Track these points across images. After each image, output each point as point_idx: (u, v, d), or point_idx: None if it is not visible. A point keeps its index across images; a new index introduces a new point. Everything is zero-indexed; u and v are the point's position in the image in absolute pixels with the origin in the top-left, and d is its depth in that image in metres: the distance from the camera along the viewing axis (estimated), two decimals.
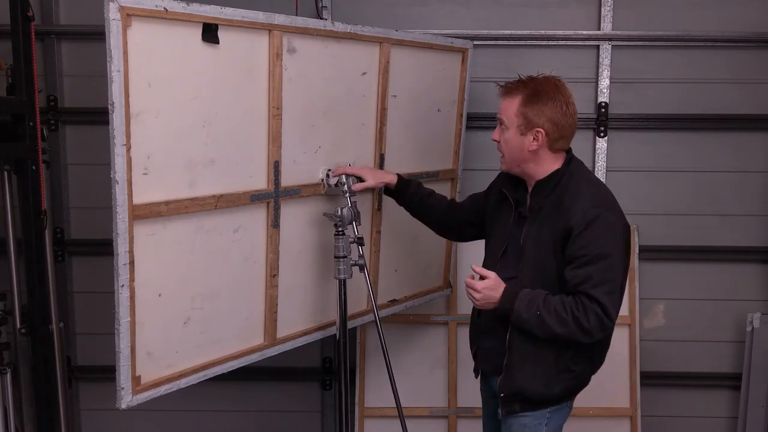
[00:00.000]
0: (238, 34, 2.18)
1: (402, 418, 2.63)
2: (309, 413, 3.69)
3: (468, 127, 3.19)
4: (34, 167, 2.76)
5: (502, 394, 2.30)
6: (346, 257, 2.49)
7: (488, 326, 2.39)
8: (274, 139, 2.35)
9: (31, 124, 2.74)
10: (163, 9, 1.94)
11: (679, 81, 3.44)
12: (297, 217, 2.52)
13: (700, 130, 3.48)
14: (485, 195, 2.58)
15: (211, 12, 2.07)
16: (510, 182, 2.41)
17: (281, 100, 2.34)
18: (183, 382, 2.25)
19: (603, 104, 3.43)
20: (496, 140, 2.34)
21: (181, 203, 2.11)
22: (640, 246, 3.47)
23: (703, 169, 3.50)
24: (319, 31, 2.41)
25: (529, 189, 2.33)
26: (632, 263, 3.41)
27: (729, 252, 3.53)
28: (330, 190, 2.57)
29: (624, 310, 3.42)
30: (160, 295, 2.13)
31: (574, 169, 2.29)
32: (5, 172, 2.93)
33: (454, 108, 3.08)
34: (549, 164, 2.28)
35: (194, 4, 2.03)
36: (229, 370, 2.41)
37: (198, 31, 2.06)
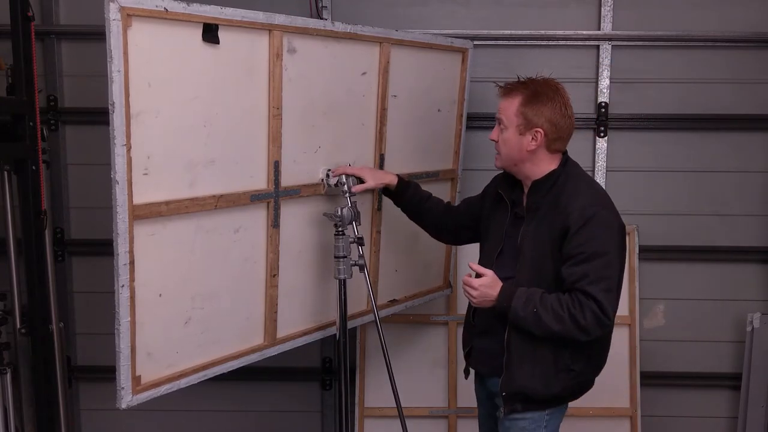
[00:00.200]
0: (239, 34, 2.18)
1: (402, 418, 2.63)
2: (309, 413, 3.69)
3: (468, 127, 3.19)
4: (34, 167, 2.76)
5: (504, 393, 2.30)
6: (346, 257, 2.49)
7: (484, 327, 2.40)
8: (274, 139, 2.35)
9: (31, 124, 2.74)
10: (163, 9, 1.94)
11: (679, 81, 3.44)
12: (297, 217, 2.52)
13: (700, 130, 3.48)
14: (480, 198, 2.60)
15: (212, 12, 2.08)
16: (506, 183, 2.42)
17: (281, 100, 2.34)
18: (183, 382, 2.25)
19: (603, 104, 3.43)
20: (494, 140, 2.35)
21: (181, 203, 2.12)
22: (640, 246, 3.47)
23: (703, 169, 3.50)
24: (319, 31, 2.41)
25: (526, 189, 2.35)
26: (632, 263, 3.42)
27: (729, 252, 3.53)
28: (330, 190, 2.57)
29: (624, 310, 3.42)
30: (160, 295, 2.13)
31: (570, 170, 2.31)
32: (5, 172, 2.93)
33: (454, 108, 3.08)
34: (546, 165, 2.30)
35: (194, 4, 2.03)
36: (229, 370, 2.41)
37: (198, 32, 2.07)
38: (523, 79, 2.31)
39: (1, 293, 3.00)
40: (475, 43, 3.15)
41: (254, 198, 2.33)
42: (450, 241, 2.86)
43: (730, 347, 3.59)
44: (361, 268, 2.52)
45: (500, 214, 2.42)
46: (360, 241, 2.50)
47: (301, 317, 2.63)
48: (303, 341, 2.65)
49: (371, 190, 2.75)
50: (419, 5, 3.43)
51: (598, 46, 3.42)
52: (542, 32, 3.41)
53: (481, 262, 2.39)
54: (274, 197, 2.39)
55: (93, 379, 3.61)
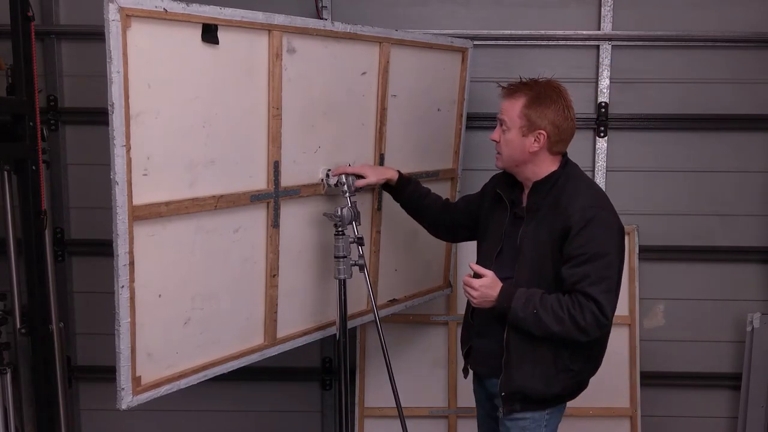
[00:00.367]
0: (238, 34, 2.17)
1: (402, 418, 2.63)
2: (309, 413, 3.69)
3: (468, 127, 3.19)
4: (34, 167, 2.76)
5: (503, 393, 2.30)
6: (346, 257, 2.49)
7: (483, 327, 2.40)
8: (274, 139, 2.35)
9: (31, 124, 2.74)
10: (162, 10, 1.94)
11: (679, 81, 3.44)
12: (297, 217, 2.52)
13: (700, 130, 3.48)
14: (479, 197, 2.60)
15: (211, 12, 2.07)
16: (505, 183, 2.42)
17: (281, 100, 2.34)
18: (183, 383, 2.25)
19: (603, 104, 3.43)
20: (495, 140, 2.35)
21: (181, 204, 2.11)
22: (640, 246, 3.47)
23: (703, 169, 3.49)
24: (319, 31, 2.41)
25: (526, 190, 2.35)
26: (632, 263, 3.42)
27: (729, 252, 3.53)
28: (330, 190, 2.57)
29: (624, 310, 3.42)
30: (160, 295, 2.13)
31: (570, 171, 2.32)
32: (5, 172, 2.93)
33: (454, 108, 3.08)
34: (547, 166, 2.30)
35: (194, 4, 2.02)
36: (229, 370, 2.41)
37: (197, 32, 2.06)
38: (525, 80, 2.31)
39: (1, 293, 3.00)
40: (475, 43, 3.15)
41: (254, 198, 2.33)
42: (447, 238, 2.85)
43: (730, 347, 3.58)
44: (361, 268, 2.52)
45: (499, 214, 2.42)
46: (360, 241, 2.50)
47: (301, 317, 2.63)
48: (303, 341, 2.65)
49: (371, 189, 2.75)
50: (419, 5, 3.43)
51: (598, 46, 3.42)
52: (542, 32, 3.41)
53: (479, 262, 2.39)
54: (274, 197, 2.39)
55: (93, 379, 3.61)
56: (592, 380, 2.43)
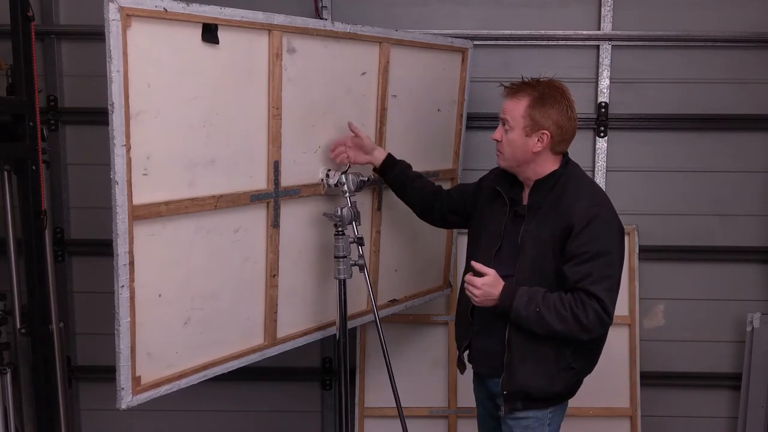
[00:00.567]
0: (238, 34, 2.17)
1: (402, 418, 2.63)
2: (309, 413, 3.69)
3: (468, 127, 3.19)
4: (34, 167, 2.76)
5: (505, 392, 2.30)
6: (346, 257, 2.49)
7: (483, 326, 2.40)
8: (274, 139, 2.35)
9: (31, 124, 2.74)
10: (162, 9, 1.94)
11: (679, 81, 3.44)
12: (297, 217, 2.52)
13: (700, 130, 3.48)
14: (476, 188, 2.59)
15: (211, 12, 2.07)
16: (505, 181, 2.42)
17: (281, 100, 2.34)
18: (183, 383, 2.25)
19: (603, 104, 3.43)
20: (497, 140, 2.35)
21: (181, 203, 2.11)
22: (640, 246, 3.47)
23: (703, 169, 3.49)
24: (319, 31, 2.41)
25: (526, 188, 2.36)
26: (632, 263, 3.42)
27: (729, 252, 3.53)
28: (330, 190, 2.57)
29: (624, 310, 3.42)
30: (160, 295, 2.13)
31: (571, 171, 2.33)
32: (5, 172, 2.92)
33: (454, 108, 3.08)
34: (548, 165, 2.31)
35: (194, 4, 2.02)
36: (229, 370, 2.41)
37: (198, 32, 2.06)
38: (528, 80, 2.31)
39: (1, 293, 3.00)
40: (475, 43, 3.15)
41: (254, 198, 2.33)
42: (436, 223, 2.78)
43: (730, 347, 3.58)
44: (361, 268, 2.52)
45: (497, 211, 2.42)
46: (360, 241, 2.50)
47: (301, 317, 2.63)
48: (303, 341, 2.65)
49: (371, 190, 2.77)
50: (419, 5, 3.43)
51: (598, 46, 3.42)
52: (542, 32, 3.41)
53: (476, 259, 2.39)
54: (274, 197, 2.39)
55: (93, 379, 3.61)
56: (593, 380, 2.43)
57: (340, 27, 2.48)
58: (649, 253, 3.51)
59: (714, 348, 3.59)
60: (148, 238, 2.05)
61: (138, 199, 1.99)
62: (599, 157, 3.46)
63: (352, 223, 2.49)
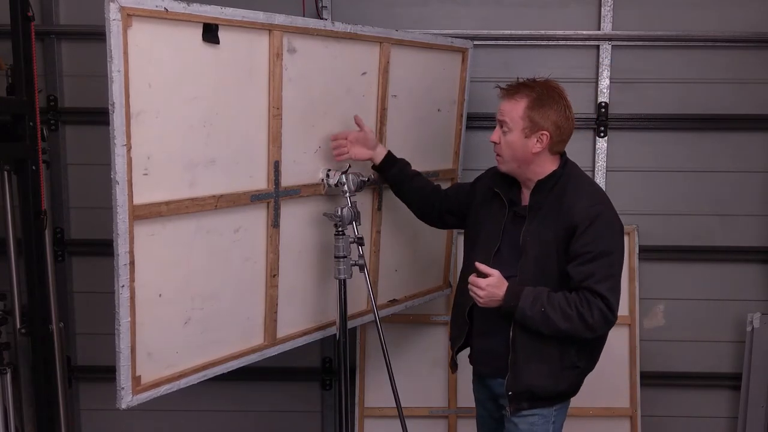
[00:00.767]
0: (239, 34, 2.17)
1: (402, 418, 2.63)
2: (309, 413, 3.69)
3: (468, 127, 3.19)
4: (34, 167, 2.76)
5: (510, 393, 2.31)
6: (346, 257, 2.49)
7: (484, 327, 2.40)
8: (274, 139, 2.35)
9: (31, 124, 2.74)
10: (163, 9, 1.94)
11: (679, 81, 3.44)
12: (297, 217, 2.52)
13: (700, 130, 3.48)
14: (472, 187, 2.58)
15: (212, 12, 2.07)
16: (502, 181, 2.42)
17: (281, 100, 2.34)
18: (183, 382, 2.25)
19: (603, 104, 3.43)
20: (495, 142, 2.34)
21: (182, 203, 2.11)
22: (640, 246, 3.47)
23: (703, 169, 3.50)
24: (319, 31, 2.41)
25: (525, 189, 2.36)
26: (632, 263, 3.43)
27: (729, 252, 3.53)
28: (330, 190, 2.57)
29: (624, 310, 3.42)
30: (160, 295, 2.13)
31: (570, 170, 2.34)
32: (5, 172, 2.92)
33: (454, 108, 3.08)
34: (548, 166, 2.32)
35: (194, 4, 2.02)
36: (229, 370, 2.41)
37: (198, 32, 2.06)
38: (524, 81, 2.31)
39: (1, 293, 3.00)
40: (475, 43, 3.15)
41: (254, 198, 2.33)
42: (435, 223, 2.77)
43: (730, 347, 3.59)
44: (361, 268, 2.52)
45: (496, 211, 2.41)
46: (360, 241, 2.50)
47: (301, 317, 2.63)
48: (303, 341, 2.65)
49: (371, 190, 2.76)
50: (419, 5, 3.43)
51: (598, 46, 3.42)
52: (542, 32, 3.41)
53: (475, 259, 2.39)
54: (274, 197, 2.39)
55: (93, 379, 3.61)
56: (593, 380, 2.43)
57: (340, 27, 2.48)
58: (649, 253, 3.51)
59: (714, 348, 3.59)
60: (149, 238, 2.05)
61: (138, 199, 1.99)
62: (599, 157, 3.46)
63: (352, 223, 2.48)
